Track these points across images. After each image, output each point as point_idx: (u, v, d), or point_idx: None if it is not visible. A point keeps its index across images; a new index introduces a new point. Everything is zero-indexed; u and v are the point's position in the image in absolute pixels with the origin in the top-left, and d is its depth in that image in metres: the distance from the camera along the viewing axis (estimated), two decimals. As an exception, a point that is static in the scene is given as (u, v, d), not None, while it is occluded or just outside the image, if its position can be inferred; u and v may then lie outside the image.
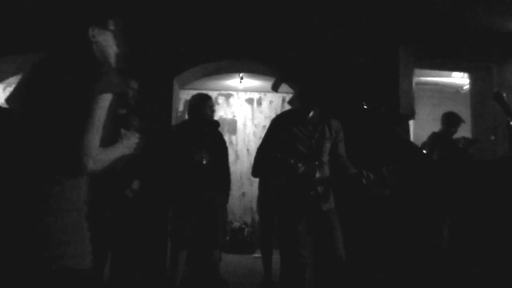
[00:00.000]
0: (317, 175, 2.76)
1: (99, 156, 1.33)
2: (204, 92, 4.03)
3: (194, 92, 6.92)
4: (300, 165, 2.63)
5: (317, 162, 2.75)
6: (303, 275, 2.73)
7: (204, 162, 3.43)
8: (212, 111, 3.73)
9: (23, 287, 1.26)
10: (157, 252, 4.11)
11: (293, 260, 2.77)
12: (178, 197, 3.59)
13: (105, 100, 1.35)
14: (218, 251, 3.72)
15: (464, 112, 5.05)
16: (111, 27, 1.58)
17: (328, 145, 2.85)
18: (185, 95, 6.73)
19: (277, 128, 2.87)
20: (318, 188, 2.76)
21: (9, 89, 6.16)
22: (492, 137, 4.55)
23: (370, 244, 3.64)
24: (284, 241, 2.83)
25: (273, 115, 6.96)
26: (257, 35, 4.43)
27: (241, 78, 6.00)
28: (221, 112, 7.15)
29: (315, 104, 2.71)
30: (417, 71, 4.12)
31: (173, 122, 4.49)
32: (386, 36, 3.97)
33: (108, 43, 1.57)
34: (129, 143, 1.62)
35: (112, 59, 1.61)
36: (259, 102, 7.29)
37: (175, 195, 3.62)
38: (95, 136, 1.31)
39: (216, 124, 3.83)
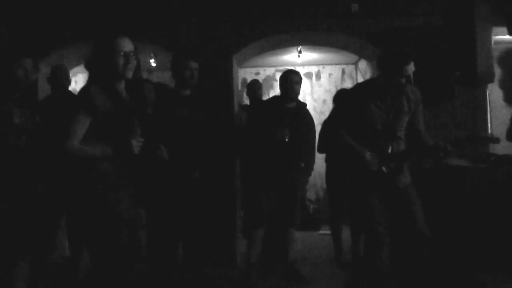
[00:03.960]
0: (390, 150, 2.61)
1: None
2: (262, 68, 3.94)
3: (252, 70, 6.95)
4: (367, 156, 2.52)
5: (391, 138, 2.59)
6: (380, 252, 2.62)
7: (286, 139, 3.37)
8: (297, 88, 3.59)
9: None
10: (227, 233, 4.14)
11: (369, 237, 2.65)
12: (257, 175, 3.55)
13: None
14: (294, 230, 3.69)
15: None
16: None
17: (406, 119, 2.66)
18: (242, 74, 6.66)
19: (350, 102, 2.71)
20: (391, 164, 2.60)
21: (75, 78, 6.41)
22: None
23: (456, 222, 3.42)
24: (357, 218, 2.72)
25: (333, 89, 6.79)
26: (315, 3, 4.24)
27: (299, 52, 5.82)
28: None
29: (395, 73, 2.51)
30: (495, 29, 3.75)
31: (234, 101, 4.44)
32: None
33: None
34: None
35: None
36: (318, 76, 7.07)
37: (255, 172, 3.59)
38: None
39: (302, 103, 3.75)
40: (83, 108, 1.97)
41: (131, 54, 2.07)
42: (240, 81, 6.73)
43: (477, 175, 3.55)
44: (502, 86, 4.87)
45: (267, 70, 7.00)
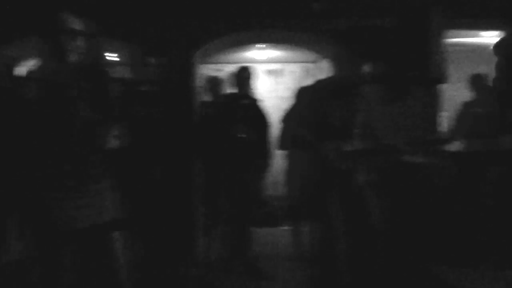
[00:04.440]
0: (347, 148, 2.67)
1: None
2: (225, 65, 3.94)
3: (214, 66, 6.90)
4: (329, 145, 2.56)
5: (347, 136, 2.65)
6: (334, 247, 2.68)
7: (243, 135, 3.37)
8: (248, 84, 3.59)
9: None
10: (186, 231, 4.12)
11: (324, 232, 2.71)
12: (214, 172, 3.54)
13: None
14: (252, 227, 3.71)
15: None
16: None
17: (362, 117, 2.73)
18: (205, 70, 6.61)
19: (308, 99, 2.75)
20: (348, 161, 2.67)
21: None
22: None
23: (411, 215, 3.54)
24: (315, 214, 2.77)
25: (295, 86, 6.85)
26: (278, 1, 4.27)
27: (263, 49, 5.85)
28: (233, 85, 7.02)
29: (354, 72, 2.57)
30: (449, 32, 3.91)
31: (194, 97, 4.41)
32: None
33: None
34: None
35: None
36: (281, 73, 7.13)
37: (211, 169, 3.57)
38: None
39: (255, 99, 3.75)
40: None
41: (79, 34, 1.78)
42: (202, 77, 6.69)
43: (431, 171, 3.69)
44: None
45: (230, 67, 6.98)
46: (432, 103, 4.40)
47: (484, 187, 3.82)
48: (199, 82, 5.08)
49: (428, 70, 3.56)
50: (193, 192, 4.22)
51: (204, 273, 3.58)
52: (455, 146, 4.24)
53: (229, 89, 3.76)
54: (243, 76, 3.52)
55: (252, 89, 3.60)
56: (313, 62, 6.97)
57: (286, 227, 5.30)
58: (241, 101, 3.55)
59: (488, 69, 4.74)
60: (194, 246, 4.17)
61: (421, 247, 3.47)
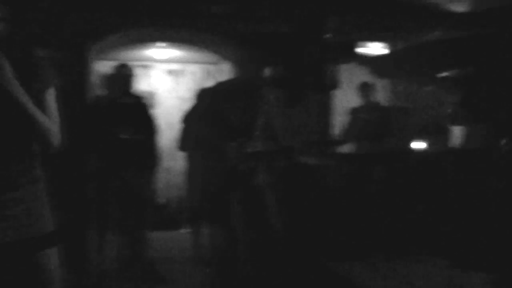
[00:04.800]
0: (249, 149, 2.72)
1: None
2: (123, 62, 3.74)
3: (111, 63, 6.57)
4: (230, 146, 2.57)
5: (248, 137, 2.70)
6: (235, 249, 2.71)
7: (126, 136, 3.21)
8: (130, 82, 3.44)
9: None
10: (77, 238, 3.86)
11: (227, 234, 2.73)
12: (100, 176, 3.35)
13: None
14: (145, 231, 3.58)
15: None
16: None
17: (263, 119, 2.79)
18: (100, 67, 6.27)
19: (209, 101, 2.74)
20: (249, 162, 2.71)
21: None
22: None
23: (307, 214, 3.72)
24: (216, 216, 2.77)
25: (196, 87, 6.80)
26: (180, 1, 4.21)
27: (162, 48, 5.71)
28: (140, 84, 6.78)
29: (255, 74, 2.62)
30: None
31: (88, 95, 4.16)
32: (314, 7, 3.99)
33: None
34: None
35: None
36: (181, 74, 7.02)
37: (97, 173, 3.37)
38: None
39: (140, 97, 3.60)
40: None
41: None
42: (98, 73, 6.34)
43: (324, 171, 3.93)
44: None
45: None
46: (326, 108, 4.69)
47: (370, 186, 4.15)
48: (95, 79, 4.81)
49: (323, 76, 3.77)
50: (82, 196, 3.97)
51: (97, 281, 3.38)
52: (346, 148, 4.55)
53: (110, 88, 3.56)
54: (123, 73, 3.37)
55: (131, 87, 3.46)
56: (214, 63, 6.99)
57: (185, 230, 5.24)
58: (122, 100, 3.39)
59: (375, 78, 5.20)
60: (86, 254, 3.92)
61: (316, 244, 3.66)
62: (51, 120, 1.41)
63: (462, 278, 3.27)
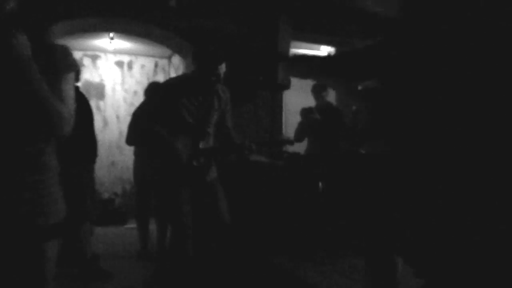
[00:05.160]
0: (201, 145, 2.73)
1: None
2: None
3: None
4: (178, 150, 2.58)
5: (201, 134, 2.71)
6: (187, 244, 2.72)
7: None
8: None
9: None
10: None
11: (176, 229, 2.73)
12: None
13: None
14: (88, 224, 3.48)
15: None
16: None
17: (215, 116, 2.80)
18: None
19: (163, 96, 2.72)
20: (201, 159, 2.72)
21: None
22: (354, 107, 5.01)
23: (255, 211, 3.79)
24: (166, 211, 2.76)
25: (145, 80, 6.69)
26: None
27: (111, 39, 5.55)
28: (87, 75, 6.57)
29: (208, 71, 2.62)
30: (292, 43, 4.28)
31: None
32: (267, 7, 4.04)
33: None
34: None
35: None
36: (130, 66, 6.87)
37: None
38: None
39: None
40: None
41: None
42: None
43: (273, 169, 4.02)
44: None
45: (75, 54, 6.45)
46: (277, 107, 4.78)
47: (317, 184, 4.28)
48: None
49: (274, 76, 3.84)
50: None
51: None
52: (294, 147, 4.66)
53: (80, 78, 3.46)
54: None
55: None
56: (165, 57, 6.90)
57: (132, 225, 5.16)
58: None
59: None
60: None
61: (264, 240, 3.75)
62: (64, 105, 1.38)
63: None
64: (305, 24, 4.46)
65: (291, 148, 4.52)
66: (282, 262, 3.72)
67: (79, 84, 3.49)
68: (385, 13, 1.67)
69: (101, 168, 6.25)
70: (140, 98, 6.05)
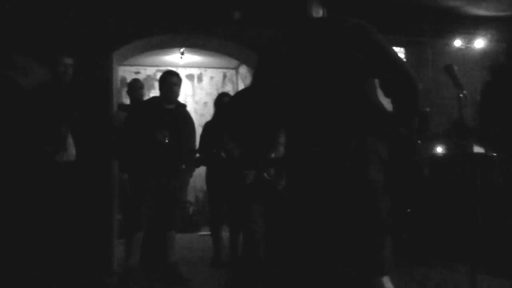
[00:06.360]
0: (272, 155, 2.76)
1: None
2: (143, 68, 3.85)
3: (132, 68, 6.71)
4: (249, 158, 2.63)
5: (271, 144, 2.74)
6: (258, 251, 2.75)
7: (166, 141, 3.32)
8: (176, 89, 3.55)
9: None
10: (103, 237, 3.96)
11: (248, 237, 2.77)
12: (136, 177, 3.45)
13: None
14: (174, 232, 3.66)
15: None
16: None
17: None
18: (122, 72, 6.40)
19: (227, 107, 2.80)
20: (272, 169, 2.75)
21: None
22: (427, 109, 4.80)
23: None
24: (238, 219, 2.81)
25: (214, 91, 6.89)
26: (200, 7, 4.28)
27: (182, 54, 5.81)
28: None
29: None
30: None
31: (112, 100, 4.26)
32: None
33: None
34: None
35: None
36: (200, 78, 7.13)
37: (134, 174, 3.47)
38: None
39: (182, 104, 3.72)
40: None
41: None
42: (119, 79, 6.48)
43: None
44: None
45: (148, 70, 6.85)
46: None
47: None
48: (117, 84, 4.91)
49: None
50: (111, 197, 4.07)
51: (121, 281, 3.45)
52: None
53: (153, 93, 3.70)
54: (169, 81, 3.48)
55: (177, 95, 3.57)
56: (233, 68, 7.08)
57: (205, 232, 5.31)
58: (166, 106, 3.51)
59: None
60: (110, 254, 4.02)
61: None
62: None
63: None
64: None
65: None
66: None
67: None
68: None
69: (175, 178, 6.50)
70: (210, 109, 6.25)
